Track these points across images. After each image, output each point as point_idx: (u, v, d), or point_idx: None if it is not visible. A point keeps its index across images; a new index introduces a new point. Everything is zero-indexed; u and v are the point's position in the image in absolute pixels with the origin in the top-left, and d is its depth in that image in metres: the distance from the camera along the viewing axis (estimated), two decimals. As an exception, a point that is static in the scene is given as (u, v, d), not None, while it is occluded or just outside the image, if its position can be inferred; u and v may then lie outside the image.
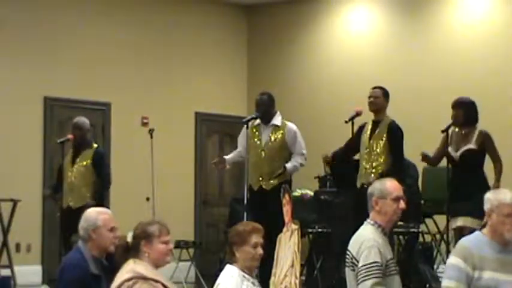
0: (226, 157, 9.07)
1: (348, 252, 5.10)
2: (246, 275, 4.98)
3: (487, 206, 4.93)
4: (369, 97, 8.23)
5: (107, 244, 5.14)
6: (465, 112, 7.84)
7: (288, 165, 8.55)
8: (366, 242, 4.98)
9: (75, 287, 5.01)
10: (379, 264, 4.91)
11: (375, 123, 8.21)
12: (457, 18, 11.32)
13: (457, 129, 7.89)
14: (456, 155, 7.79)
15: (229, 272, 5.01)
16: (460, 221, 7.58)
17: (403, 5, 11.81)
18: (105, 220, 5.21)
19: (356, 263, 4.99)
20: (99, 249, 5.15)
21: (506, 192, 4.97)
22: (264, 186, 8.54)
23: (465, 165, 7.75)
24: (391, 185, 5.14)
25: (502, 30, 10.93)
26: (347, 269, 5.10)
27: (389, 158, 8.08)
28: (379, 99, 8.21)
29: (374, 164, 8.07)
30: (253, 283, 5.01)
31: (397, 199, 5.09)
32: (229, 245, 5.07)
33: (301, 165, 8.67)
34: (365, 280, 4.90)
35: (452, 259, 4.87)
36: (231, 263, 5.04)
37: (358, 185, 8.16)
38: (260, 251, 4.99)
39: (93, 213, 5.27)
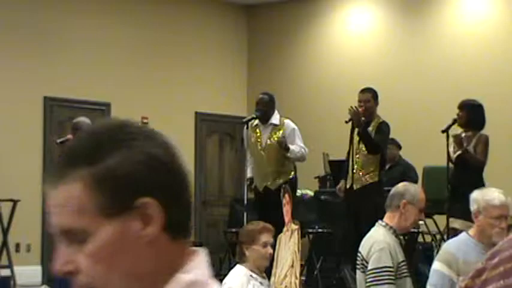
0: (249, 176, 8.84)
1: (358, 254, 5.03)
2: (254, 275, 5.02)
3: (473, 207, 4.79)
4: (359, 101, 8.16)
5: None
6: (468, 114, 7.80)
7: (292, 146, 8.48)
8: (377, 244, 4.89)
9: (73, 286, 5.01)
10: (390, 269, 4.82)
11: (365, 125, 8.17)
12: (457, 18, 11.33)
13: (463, 132, 7.88)
14: (453, 156, 7.79)
15: (237, 271, 5.05)
16: (454, 223, 7.58)
17: (403, 5, 11.81)
18: None
19: (366, 264, 4.90)
20: None
21: (494, 192, 4.83)
22: (269, 186, 8.51)
23: (462, 167, 7.73)
24: (422, 194, 5.04)
25: (502, 30, 10.93)
26: (358, 271, 5.02)
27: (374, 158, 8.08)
28: (370, 102, 8.15)
29: (362, 166, 8.05)
30: (261, 283, 5.03)
31: (422, 209, 5.02)
32: (239, 244, 5.12)
33: (303, 155, 8.58)
34: (376, 285, 4.81)
35: (437, 264, 4.77)
36: (240, 263, 5.06)
37: (348, 185, 8.11)
38: (270, 250, 5.06)
39: None
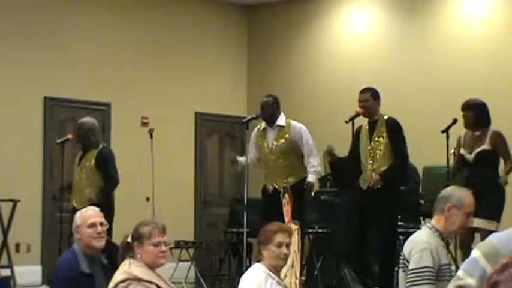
0: (239, 158, 9.01)
1: (401, 253, 5.05)
2: (272, 274, 5.08)
3: None
4: (359, 101, 8.17)
5: (88, 241, 5.14)
6: (476, 114, 7.83)
7: (309, 178, 8.53)
8: (419, 244, 4.88)
9: (65, 285, 5.02)
10: (430, 269, 4.80)
11: (371, 124, 8.15)
12: (457, 18, 11.32)
13: (469, 132, 7.88)
14: (470, 156, 7.78)
15: (255, 269, 5.12)
16: (476, 223, 7.53)
17: (403, 5, 11.81)
18: (83, 218, 5.22)
19: (407, 264, 4.92)
20: (87, 248, 5.16)
21: None
22: (278, 189, 8.47)
23: (480, 167, 7.73)
24: (470, 199, 4.99)
25: (502, 31, 10.93)
26: (399, 270, 5.04)
27: (393, 156, 8.03)
28: (369, 102, 8.14)
29: (377, 165, 8.03)
30: (278, 282, 5.08)
31: (469, 214, 4.97)
32: (258, 244, 5.21)
33: (317, 165, 8.64)
34: (416, 285, 4.80)
35: (476, 253, 4.70)
36: (258, 261, 5.16)
37: (364, 187, 8.07)
38: (284, 250, 5.10)
39: (76, 214, 5.32)
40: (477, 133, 7.81)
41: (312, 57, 12.71)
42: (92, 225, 5.18)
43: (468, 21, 11.21)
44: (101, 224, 5.23)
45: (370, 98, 8.13)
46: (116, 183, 8.99)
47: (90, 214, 5.27)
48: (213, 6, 13.07)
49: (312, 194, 8.71)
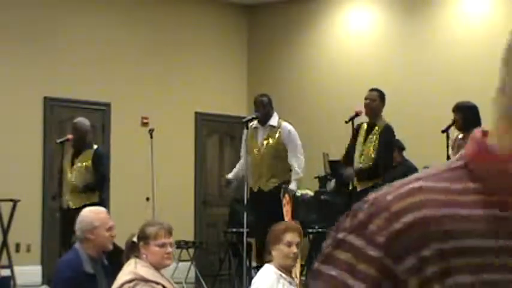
0: (228, 176, 9.01)
1: None
2: (283, 274, 5.03)
3: None
4: (365, 99, 8.20)
5: (105, 243, 5.15)
6: (464, 116, 7.82)
7: (291, 186, 8.49)
8: None
9: (67, 286, 5.02)
10: None
11: (370, 127, 8.17)
12: (457, 19, 11.32)
13: (460, 134, 7.90)
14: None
15: (266, 270, 5.07)
16: None
17: (403, 6, 11.81)
18: (103, 220, 5.22)
19: None
20: (97, 249, 5.16)
21: None
22: (262, 188, 8.51)
23: None
24: None
25: (502, 31, 10.90)
26: None
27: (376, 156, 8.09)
28: (375, 102, 8.16)
29: (365, 167, 8.07)
30: (290, 282, 5.05)
31: None
32: (266, 244, 5.15)
33: (300, 171, 8.58)
34: None
35: None
36: (268, 262, 5.12)
37: (351, 186, 8.14)
38: (294, 249, 5.04)
39: (90, 214, 5.29)
40: (465, 135, 7.80)
41: (312, 57, 12.71)
42: (111, 228, 5.20)
43: (468, 21, 11.21)
44: (114, 227, 5.28)
45: (377, 98, 8.17)
46: (105, 182, 9.20)
47: (106, 216, 5.31)
48: (213, 6, 13.07)
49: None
